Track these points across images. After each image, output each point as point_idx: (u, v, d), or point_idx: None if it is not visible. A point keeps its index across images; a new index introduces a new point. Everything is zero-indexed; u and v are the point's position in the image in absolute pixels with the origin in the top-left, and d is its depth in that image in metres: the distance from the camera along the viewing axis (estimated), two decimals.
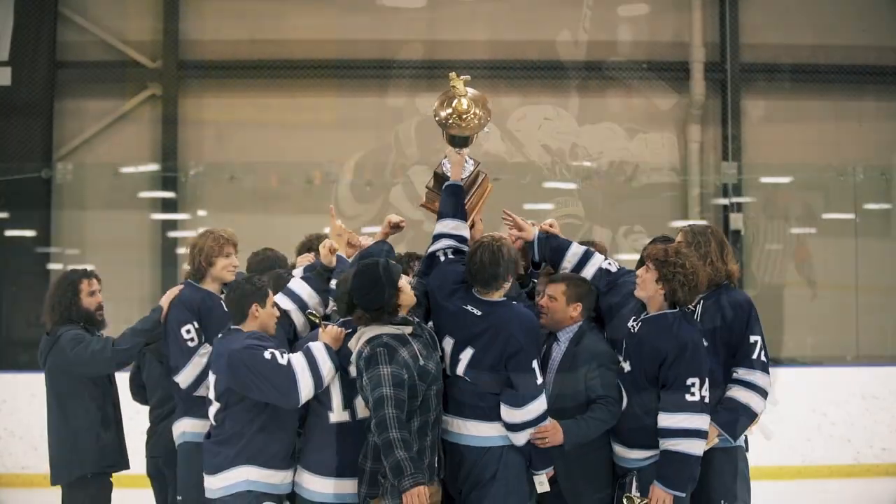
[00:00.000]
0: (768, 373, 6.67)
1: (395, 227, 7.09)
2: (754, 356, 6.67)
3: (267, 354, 6.27)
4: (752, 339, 6.70)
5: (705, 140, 15.39)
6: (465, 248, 6.65)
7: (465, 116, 6.77)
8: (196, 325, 7.09)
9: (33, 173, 14.64)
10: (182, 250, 14.56)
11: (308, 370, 6.28)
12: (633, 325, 6.54)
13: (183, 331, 7.08)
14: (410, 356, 6.08)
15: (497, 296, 6.45)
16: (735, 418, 6.61)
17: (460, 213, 6.78)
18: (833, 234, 14.74)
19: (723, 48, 15.43)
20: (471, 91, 6.83)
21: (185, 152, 15.22)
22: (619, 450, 6.59)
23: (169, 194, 14.98)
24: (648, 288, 6.49)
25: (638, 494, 6.42)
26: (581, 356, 6.57)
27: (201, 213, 14.95)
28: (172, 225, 14.98)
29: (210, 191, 14.97)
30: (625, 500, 6.43)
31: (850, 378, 12.80)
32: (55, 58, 15.11)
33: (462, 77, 6.82)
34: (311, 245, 8.11)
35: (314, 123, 15.22)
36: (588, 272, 6.81)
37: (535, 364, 6.30)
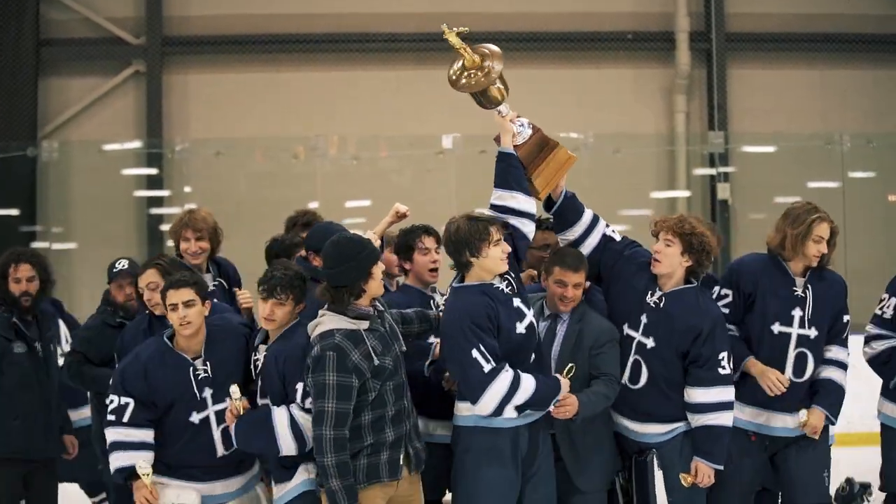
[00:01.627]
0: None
1: (401, 217, 6.99)
2: (845, 335, 6.86)
3: None
4: (846, 318, 6.85)
5: (691, 110, 15.38)
6: (515, 221, 6.29)
7: (469, 72, 6.35)
8: None
9: (18, 151, 14.58)
10: (166, 227, 14.54)
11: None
12: (654, 301, 6.48)
13: None
14: (363, 356, 5.76)
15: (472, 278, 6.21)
16: (839, 401, 6.80)
17: (507, 183, 6.29)
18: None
19: (708, 18, 15.41)
20: (490, 48, 6.43)
21: (171, 129, 15.19)
22: (634, 426, 6.56)
23: (153, 171, 14.94)
24: (673, 262, 6.46)
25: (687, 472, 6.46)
26: (587, 333, 6.48)
27: (187, 189, 14.91)
28: (158, 202, 14.95)
29: (196, 167, 14.93)
30: (680, 478, 6.43)
31: None
32: (39, 35, 15.05)
33: (456, 29, 6.35)
34: (297, 220, 8.08)
35: (301, 98, 15.18)
36: (594, 239, 6.65)
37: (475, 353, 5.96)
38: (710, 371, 6.40)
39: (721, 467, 6.46)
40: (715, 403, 6.39)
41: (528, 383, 5.95)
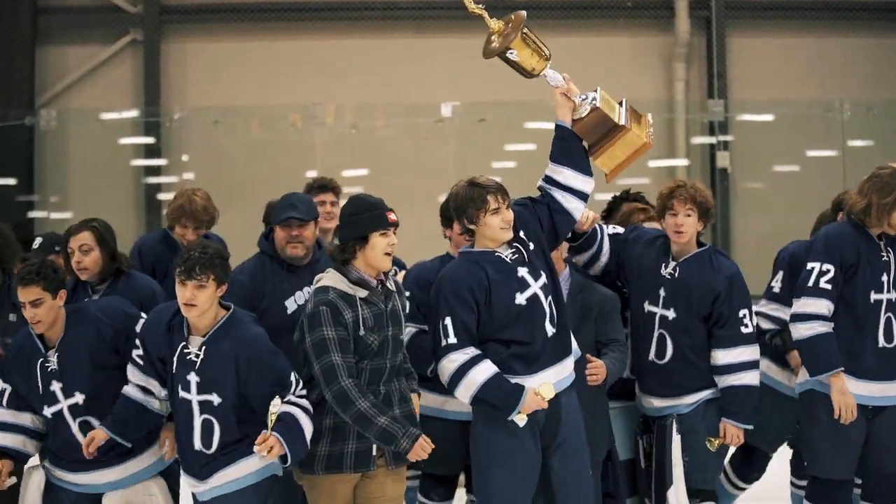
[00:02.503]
0: None
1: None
2: None
3: None
4: None
5: (691, 78, 15.32)
6: (559, 195, 6.01)
7: (491, 37, 5.96)
8: None
9: (16, 121, 14.55)
10: (163, 196, 14.52)
11: None
12: (668, 273, 6.51)
13: None
14: (352, 320, 5.60)
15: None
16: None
17: (555, 156, 6.00)
18: (819, 172, 14.72)
19: None
20: (515, 14, 6.00)
21: (168, 97, 15.14)
22: (662, 402, 6.55)
23: (150, 140, 14.91)
24: (693, 231, 6.50)
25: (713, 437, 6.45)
26: (591, 304, 6.48)
27: (184, 157, 14.89)
28: (155, 171, 14.92)
29: (193, 136, 14.90)
30: (707, 444, 6.43)
31: None
32: (36, 4, 14.99)
33: None
34: (314, 185, 8.03)
35: (300, 67, 15.13)
36: (605, 245, 6.65)
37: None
38: (731, 330, 6.41)
39: (750, 426, 6.46)
40: (739, 364, 6.40)
41: (478, 376, 5.70)
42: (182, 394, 5.75)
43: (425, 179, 14.32)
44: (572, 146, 5.97)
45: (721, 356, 6.42)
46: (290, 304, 6.49)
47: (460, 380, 5.72)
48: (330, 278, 5.68)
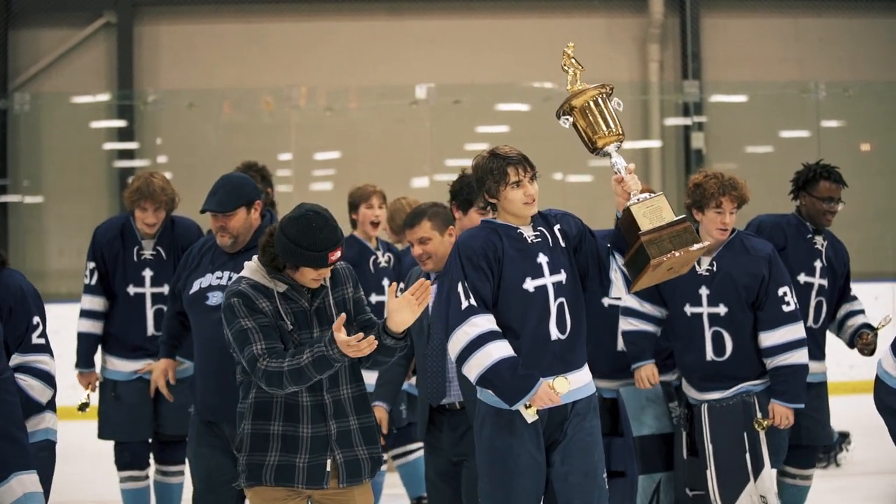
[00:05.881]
0: None
1: None
2: None
3: None
4: None
5: (665, 59, 15.33)
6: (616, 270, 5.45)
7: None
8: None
9: None
10: None
11: None
12: (706, 270, 6.41)
13: None
14: (271, 310, 5.13)
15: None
16: None
17: (613, 243, 5.43)
18: (792, 153, 14.76)
19: None
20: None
21: (142, 80, 15.10)
22: (720, 395, 6.40)
23: (121, 123, 14.87)
24: (732, 222, 6.43)
25: (761, 416, 6.35)
26: None
27: (158, 141, 14.86)
28: (129, 154, 14.89)
29: (168, 119, 14.87)
30: (755, 426, 6.33)
31: None
32: None
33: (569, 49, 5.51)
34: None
35: (275, 49, 15.10)
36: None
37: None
38: (773, 311, 6.34)
39: (801, 406, 6.40)
40: (785, 343, 6.33)
41: (495, 350, 5.22)
42: None
43: (399, 162, 14.32)
44: (619, 238, 5.43)
45: (765, 338, 6.36)
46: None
47: (475, 350, 5.22)
48: (249, 268, 5.25)
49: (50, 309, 5.78)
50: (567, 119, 5.35)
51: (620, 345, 6.84)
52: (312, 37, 15.10)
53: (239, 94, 14.73)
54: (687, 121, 15.00)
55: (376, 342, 4.95)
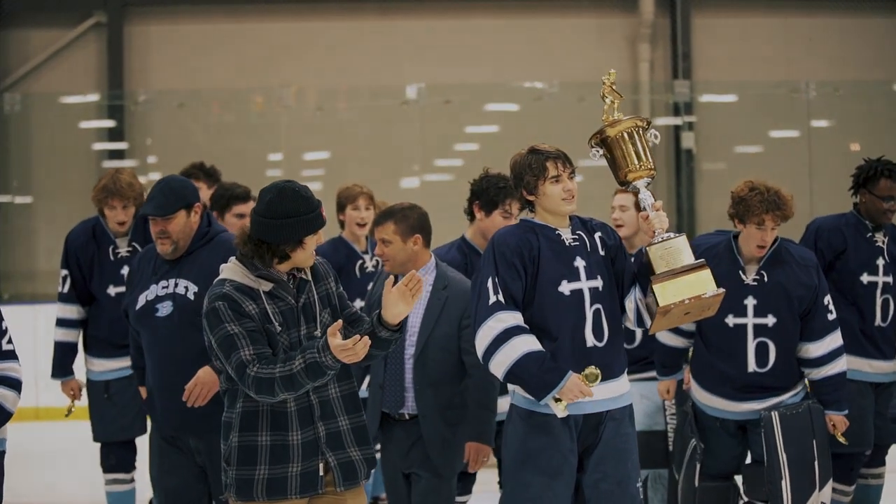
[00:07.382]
0: None
1: None
2: None
3: None
4: None
5: (655, 59, 15.34)
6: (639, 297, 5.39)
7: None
8: None
9: None
10: None
11: None
12: (753, 279, 6.26)
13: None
14: (258, 313, 4.87)
15: None
16: None
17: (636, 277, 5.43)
18: (781, 152, 14.79)
19: None
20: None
21: (132, 81, 15.09)
22: (756, 405, 6.29)
23: (110, 123, 14.87)
24: (773, 238, 6.29)
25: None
26: (452, 299, 5.97)
27: (148, 141, 14.84)
28: (119, 154, 14.88)
29: (158, 119, 14.86)
30: (841, 439, 6.36)
31: None
32: None
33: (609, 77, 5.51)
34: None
35: (265, 50, 15.10)
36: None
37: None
38: (820, 320, 6.26)
39: (847, 411, 6.35)
40: (830, 353, 6.27)
41: (521, 344, 5.16)
42: None
43: (389, 162, 14.32)
44: (642, 274, 5.40)
45: (814, 349, 6.28)
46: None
47: (501, 345, 5.15)
48: (229, 269, 5.00)
49: (40, 309, 5.79)
50: (596, 152, 5.34)
51: None
52: (302, 37, 15.09)
53: (229, 94, 14.72)
54: (677, 120, 15.00)
55: (370, 342, 4.81)
